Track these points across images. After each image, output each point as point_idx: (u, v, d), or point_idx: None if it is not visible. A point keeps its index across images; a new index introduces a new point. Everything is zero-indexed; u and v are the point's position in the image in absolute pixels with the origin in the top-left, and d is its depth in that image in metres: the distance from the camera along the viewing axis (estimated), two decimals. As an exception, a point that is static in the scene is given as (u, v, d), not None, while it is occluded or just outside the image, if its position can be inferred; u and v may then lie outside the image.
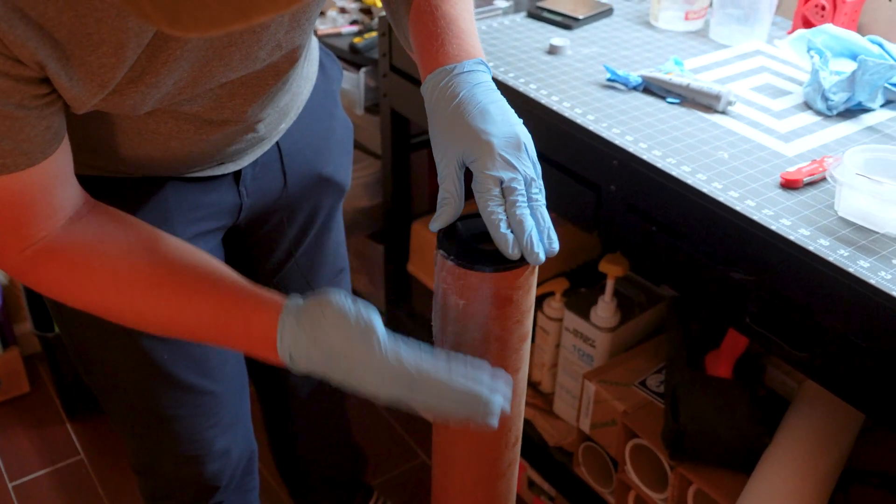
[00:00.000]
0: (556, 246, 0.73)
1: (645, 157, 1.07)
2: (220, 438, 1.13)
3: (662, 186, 1.04)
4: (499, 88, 0.79)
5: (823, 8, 1.35)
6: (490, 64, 1.08)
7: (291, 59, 0.90)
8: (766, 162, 1.07)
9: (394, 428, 1.92)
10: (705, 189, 1.01)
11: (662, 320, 1.51)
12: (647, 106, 1.19)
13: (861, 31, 1.38)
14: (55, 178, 0.75)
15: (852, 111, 1.18)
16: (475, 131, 0.73)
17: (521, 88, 1.23)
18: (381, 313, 2.01)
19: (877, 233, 0.94)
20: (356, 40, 1.74)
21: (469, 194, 0.74)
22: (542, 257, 0.71)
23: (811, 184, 1.02)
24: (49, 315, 1.84)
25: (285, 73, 0.91)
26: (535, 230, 0.71)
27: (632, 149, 1.09)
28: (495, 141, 0.73)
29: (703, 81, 1.20)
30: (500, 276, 0.72)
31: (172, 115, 0.85)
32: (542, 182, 0.75)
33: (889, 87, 1.18)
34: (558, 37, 1.39)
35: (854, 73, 1.14)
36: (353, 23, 1.85)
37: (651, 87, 1.23)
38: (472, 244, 0.74)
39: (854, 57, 1.20)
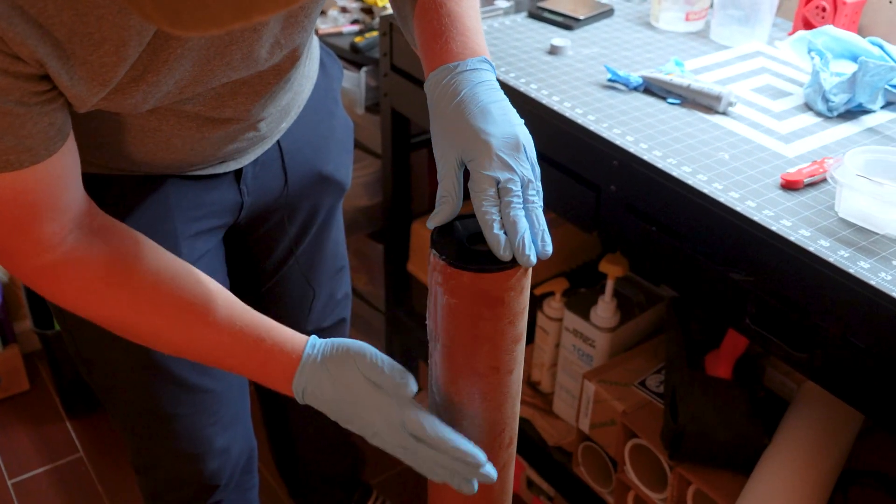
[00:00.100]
0: (549, 249, 0.73)
1: (645, 157, 1.07)
2: (220, 437, 1.13)
3: (663, 187, 1.05)
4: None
5: (824, 9, 1.35)
6: (491, 64, 1.08)
7: (293, 57, 0.90)
8: (767, 163, 1.07)
9: (393, 427, 1.92)
10: (706, 190, 1.01)
11: (662, 320, 1.51)
12: (648, 106, 1.19)
13: (861, 32, 1.38)
14: (61, 179, 0.74)
15: (853, 112, 1.19)
16: (474, 130, 0.73)
17: (522, 88, 1.23)
18: (381, 312, 2.01)
19: (877, 234, 0.94)
20: (357, 40, 1.74)
21: (468, 193, 0.74)
22: (534, 260, 0.71)
23: (811, 185, 1.02)
24: (49, 313, 1.84)
25: (287, 71, 0.91)
26: (529, 232, 0.71)
27: (632, 149, 1.09)
28: (493, 141, 0.72)
29: (704, 82, 1.20)
30: (491, 277, 0.71)
31: (174, 113, 0.85)
32: (540, 184, 0.75)
33: (889, 88, 1.18)
34: (559, 37, 1.39)
35: (855, 74, 1.14)
36: (354, 22, 1.85)
37: (652, 88, 1.23)
38: (468, 244, 0.73)
39: (855, 58, 1.20)
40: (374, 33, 1.76)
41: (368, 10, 1.86)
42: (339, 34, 1.82)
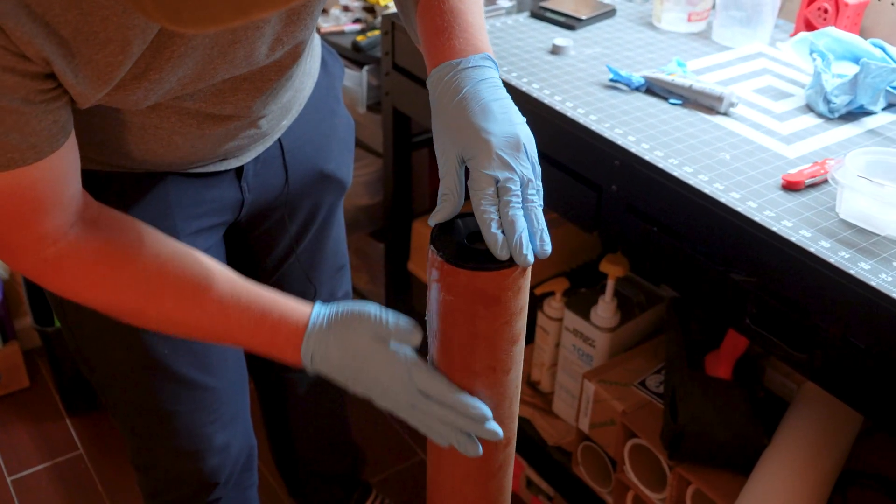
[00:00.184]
0: (548, 248, 0.73)
1: (647, 157, 1.07)
2: (220, 434, 1.13)
3: (664, 187, 1.05)
4: (501, 87, 0.79)
5: (826, 11, 1.35)
6: (493, 63, 1.08)
7: (294, 54, 0.90)
8: (768, 164, 1.07)
9: (392, 426, 1.92)
10: (707, 190, 1.01)
11: (662, 321, 1.51)
12: (650, 107, 1.19)
13: (863, 34, 1.38)
14: (64, 174, 0.75)
15: (854, 114, 1.19)
16: (475, 129, 0.73)
17: (524, 88, 1.23)
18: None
19: (878, 235, 0.94)
20: (359, 38, 1.74)
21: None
22: (531, 259, 0.71)
23: (812, 186, 1.02)
24: (49, 310, 1.84)
25: (288, 68, 0.91)
26: (527, 232, 0.71)
27: (634, 149, 1.09)
28: (494, 140, 0.72)
29: (706, 83, 1.21)
30: (487, 276, 0.71)
31: (175, 110, 0.85)
32: (540, 183, 0.74)
33: (891, 90, 1.18)
34: (561, 37, 1.39)
35: (856, 76, 1.14)
36: (356, 21, 1.85)
37: (654, 88, 1.23)
38: (468, 242, 0.73)
39: (856, 60, 1.20)
40: (376, 32, 1.76)
41: (370, 9, 1.86)
42: (342, 33, 1.82)
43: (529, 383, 1.64)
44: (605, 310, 1.45)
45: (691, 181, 1.02)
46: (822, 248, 0.91)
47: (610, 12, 1.49)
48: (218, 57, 0.78)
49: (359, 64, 1.76)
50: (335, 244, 1.28)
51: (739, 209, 0.97)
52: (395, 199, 1.74)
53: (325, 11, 1.87)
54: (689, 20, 1.43)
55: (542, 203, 0.74)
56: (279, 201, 1.13)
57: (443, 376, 0.76)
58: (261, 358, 1.35)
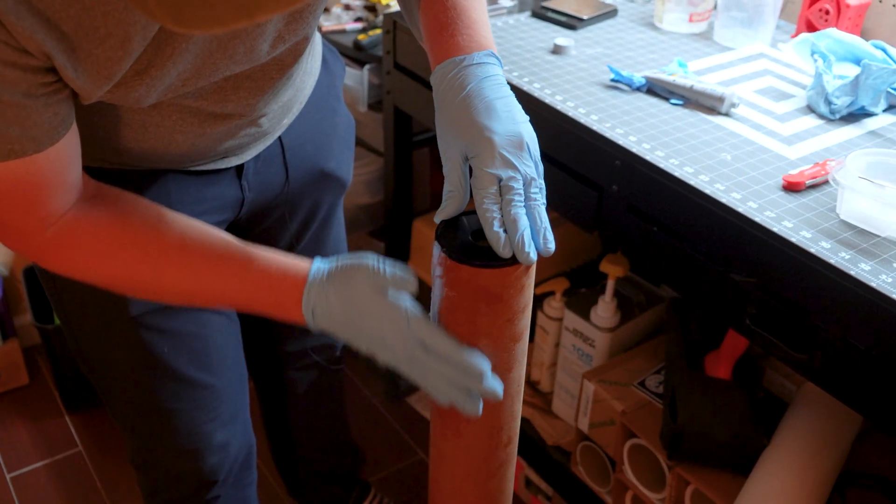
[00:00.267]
0: (551, 246, 0.73)
1: (648, 157, 1.07)
2: (219, 432, 1.14)
3: (665, 187, 1.05)
4: (503, 87, 0.79)
5: (827, 12, 1.35)
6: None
7: (296, 52, 0.90)
8: (769, 164, 1.07)
9: (392, 425, 1.92)
10: (707, 190, 1.01)
11: (662, 321, 1.52)
12: (651, 107, 1.19)
13: (865, 35, 1.38)
14: (65, 162, 0.75)
15: (855, 115, 1.19)
16: (478, 127, 0.73)
17: (525, 88, 1.23)
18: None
19: (878, 236, 0.94)
20: (360, 37, 1.74)
21: None
22: (533, 257, 0.71)
23: (813, 187, 1.02)
24: (49, 307, 1.84)
25: (289, 66, 0.91)
26: (529, 230, 0.71)
27: (635, 149, 1.09)
28: (496, 139, 0.72)
29: (707, 83, 1.21)
30: (489, 273, 0.71)
31: (176, 108, 0.85)
32: (543, 182, 0.75)
33: (892, 91, 1.18)
34: (562, 37, 1.39)
35: (857, 77, 1.14)
36: (358, 20, 1.85)
37: (655, 89, 1.23)
38: (473, 239, 0.74)
39: (857, 61, 1.20)
40: (378, 31, 1.76)
41: (372, 8, 1.86)
42: (343, 31, 1.82)
43: (529, 383, 1.64)
44: (604, 310, 1.45)
45: (692, 181, 1.02)
46: (823, 248, 0.91)
47: (611, 12, 1.49)
48: (218, 51, 0.79)
49: (360, 63, 1.76)
50: (335, 243, 1.28)
51: (740, 209, 0.97)
52: (396, 199, 1.74)
53: (326, 10, 1.87)
54: (691, 21, 1.43)
55: (545, 201, 0.74)
56: (279, 200, 1.13)
57: (442, 329, 0.75)
58: (261, 358, 1.36)
